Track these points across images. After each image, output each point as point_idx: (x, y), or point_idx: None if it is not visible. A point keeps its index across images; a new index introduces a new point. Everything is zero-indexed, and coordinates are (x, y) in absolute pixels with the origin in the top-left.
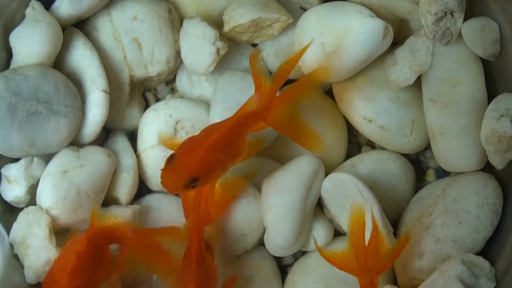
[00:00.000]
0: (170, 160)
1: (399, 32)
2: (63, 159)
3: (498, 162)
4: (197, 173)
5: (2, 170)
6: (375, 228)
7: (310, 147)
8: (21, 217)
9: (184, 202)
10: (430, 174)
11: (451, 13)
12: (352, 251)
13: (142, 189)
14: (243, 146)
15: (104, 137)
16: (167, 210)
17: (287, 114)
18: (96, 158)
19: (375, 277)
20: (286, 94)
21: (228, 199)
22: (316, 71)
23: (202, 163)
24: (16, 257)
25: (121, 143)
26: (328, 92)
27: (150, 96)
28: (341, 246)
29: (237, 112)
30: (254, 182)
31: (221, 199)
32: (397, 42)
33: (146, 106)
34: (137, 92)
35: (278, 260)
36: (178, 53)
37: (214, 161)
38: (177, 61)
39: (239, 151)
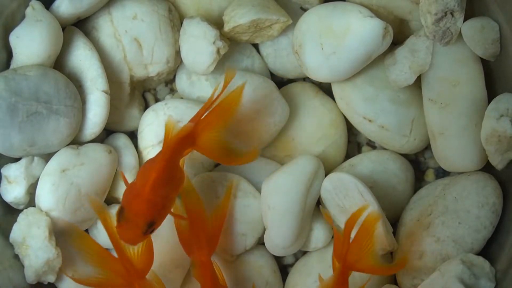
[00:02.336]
0: (121, 214)
1: (399, 32)
2: (62, 157)
3: (498, 162)
4: (151, 217)
5: (2, 170)
6: (366, 230)
7: (240, 162)
8: (21, 218)
9: (181, 237)
10: (429, 174)
11: (451, 13)
12: (338, 238)
13: None
14: (181, 173)
15: (105, 137)
16: None
17: (212, 139)
18: (96, 155)
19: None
20: (209, 119)
21: (219, 224)
22: (231, 95)
23: (151, 206)
24: (16, 257)
25: (122, 139)
26: (328, 92)
27: (149, 96)
28: None
29: (164, 145)
30: (254, 182)
31: (213, 224)
32: (397, 42)
33: (146, 106)
34: (137, 93)
35: (279, 260)
36: (178, 53)
37: (161, 200)
38: (177, 61)
39: (179, 179)
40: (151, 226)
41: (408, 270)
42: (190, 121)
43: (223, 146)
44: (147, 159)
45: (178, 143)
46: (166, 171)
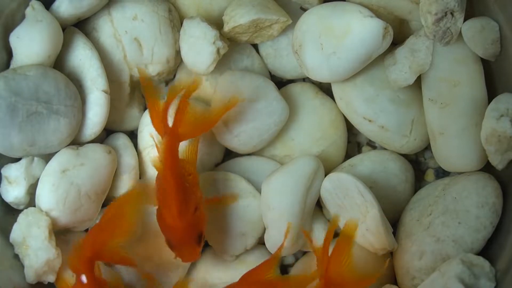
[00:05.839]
0: (171, 245)
1: (399, 32)
2: (62, 157)
3: (498, 162)
4: (195, 235)
5: (2, 170)
6: (341, 243)
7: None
8: (21, 218)
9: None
10: (429, 174)
11: (451, 13)
12: (318, 254)
13: None
14: (191, 172)
15: (104, 137)
16: None
17: (192, 122)
18: (96, 155)
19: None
20: (178, 109)
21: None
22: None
23: (189, 229)
24: (16, 257)
25: (121, 140)
26: (328, 92)
27: None
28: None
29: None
30: (254, 182)
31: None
32: (397, 42)
33: (146, 106)
34: (137, 93)
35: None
36: (178, 53)
37: (192, 215)
38: (177, 61)
39: (193, 180)
40: (201, 237)
41: (408, 270)
42: (165, 132)
43: (202, 118)
44: (147, 159)
45: (172, 157)
46: (180, 190)
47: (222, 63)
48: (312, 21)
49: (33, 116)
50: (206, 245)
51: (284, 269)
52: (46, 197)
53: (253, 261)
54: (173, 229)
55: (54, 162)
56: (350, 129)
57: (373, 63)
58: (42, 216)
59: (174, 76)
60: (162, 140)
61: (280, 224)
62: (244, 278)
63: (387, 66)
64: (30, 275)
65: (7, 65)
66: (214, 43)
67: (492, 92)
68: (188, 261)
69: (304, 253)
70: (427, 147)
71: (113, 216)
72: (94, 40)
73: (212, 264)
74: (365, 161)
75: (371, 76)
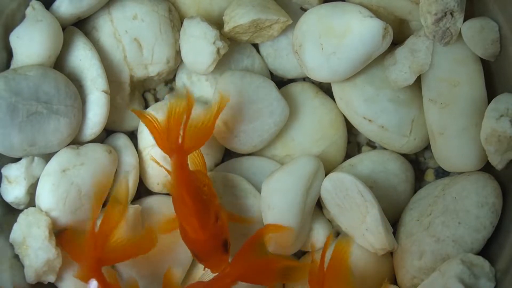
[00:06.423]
0: (198, 258)
1: (399, 32)
2: (62, 157)
3: (498, 162)
4: (219, 245)
5: (3, 170)
6: (339, 256)
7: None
8: (21, 218)
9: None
10: (429, 174)
11: (451, 13)
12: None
13: (140, 189)
14: (203, 181)
15: (105, 137)
16: (168, 212)
17: (194, 136)
18: (96, 155)
19: None
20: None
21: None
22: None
23: (213, 240)
24: (16, 257)
25: (122, 139)
26: (328, 92)
27: (149, 96)
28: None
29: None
30: (254, 182)
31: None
32: (397, 42)
33: (146, 106)
34: (137, 93)
35: None
36: (178, 53)
37: (214, 225)
38: (177, 61)
39: (209, 190)
40: (226, 245)
41: (408, 270)
42: (173, 149)
43: (203, 126)
44: (147, 159)
45: (184, 173)
46: (198, 203)
47: (222, 63)
48: (312, 21)
49: (33, 116)
50: None
51: None
52: (46, 197)
53: None
54: (198, 242)
55: (54, 162)
56: (350, 129)
57: (373, 63)
58: (42, 216)
59: (174, 76)
60: (171, 158)
61: (280, 223)
62: (235, 260)
63: (387, 66)
64: (30, 275)
65: (7, 65)
66: (214, 43)
67: (492, 92)
68: (214, 271)
69: (304, 253)
70: (427, 147)
71: (111, 217)
72: (94, 40)
73: None
74: (365, 161)
75: (371, 76)
